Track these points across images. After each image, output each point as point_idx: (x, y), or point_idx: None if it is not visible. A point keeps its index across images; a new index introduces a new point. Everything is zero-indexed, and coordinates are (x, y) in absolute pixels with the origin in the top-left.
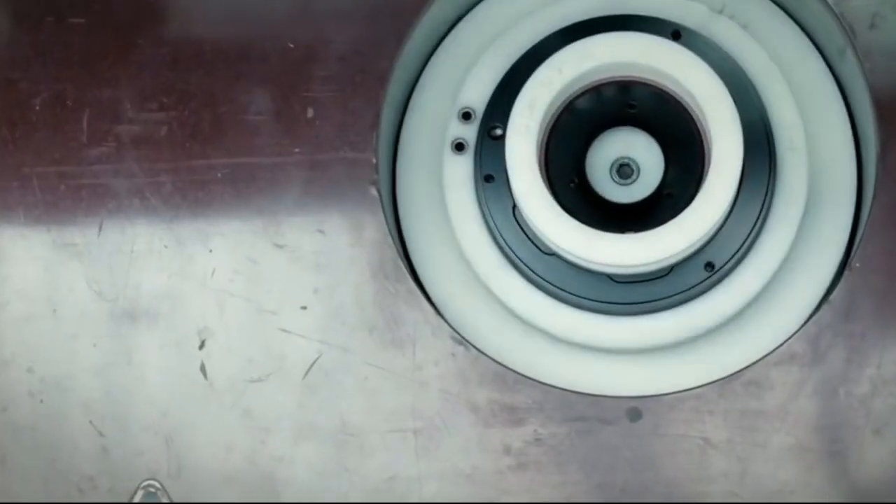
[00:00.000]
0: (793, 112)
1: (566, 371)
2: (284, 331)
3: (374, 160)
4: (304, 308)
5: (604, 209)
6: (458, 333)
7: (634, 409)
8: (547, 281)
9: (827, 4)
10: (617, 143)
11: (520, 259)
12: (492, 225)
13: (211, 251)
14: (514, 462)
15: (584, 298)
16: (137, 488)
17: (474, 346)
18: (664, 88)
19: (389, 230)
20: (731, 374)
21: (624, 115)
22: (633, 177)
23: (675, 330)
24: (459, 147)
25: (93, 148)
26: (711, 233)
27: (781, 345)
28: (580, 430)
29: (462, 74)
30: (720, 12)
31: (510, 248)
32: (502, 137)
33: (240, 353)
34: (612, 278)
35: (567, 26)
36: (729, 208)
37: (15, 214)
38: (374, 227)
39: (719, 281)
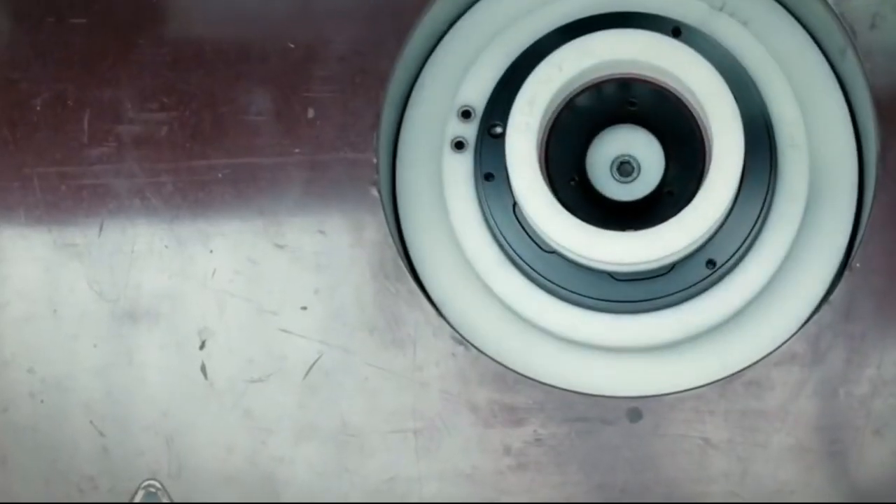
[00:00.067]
0: (794, 109)
1: (566, 369)
2: (285, 331)
3: (374, 160)
4: (304, 308)
5: (604, 207)
6: (459, 333)
7: (635, 409)
8: (547, 279)
9: (827, 4)
10: (617, 140)
11: (520, 257)
12: (492, 223)
13: (211, 251)
14: (514, 462)
15: (585, 296)
16: (138, 488)
17: (474, 346)
18: (665, 86)
19: (390, 231)
20: (732, 374)
21: (624, 112)
22: (634, 174)
23: (676, 328)
24: (459, 145)
25: (93, 148)
26: (712, 230)
27: (782, 345)
28: (580, 430)
29: (462, 72)
30: (721, 9)
31: (510, 246)
32: (502, 135)
33: (240, 354)
34: (613, 276)
35: (567, 24)
36: (730, 206)
37: (16, 215)
38: (375, 228)
39: (720, 279)
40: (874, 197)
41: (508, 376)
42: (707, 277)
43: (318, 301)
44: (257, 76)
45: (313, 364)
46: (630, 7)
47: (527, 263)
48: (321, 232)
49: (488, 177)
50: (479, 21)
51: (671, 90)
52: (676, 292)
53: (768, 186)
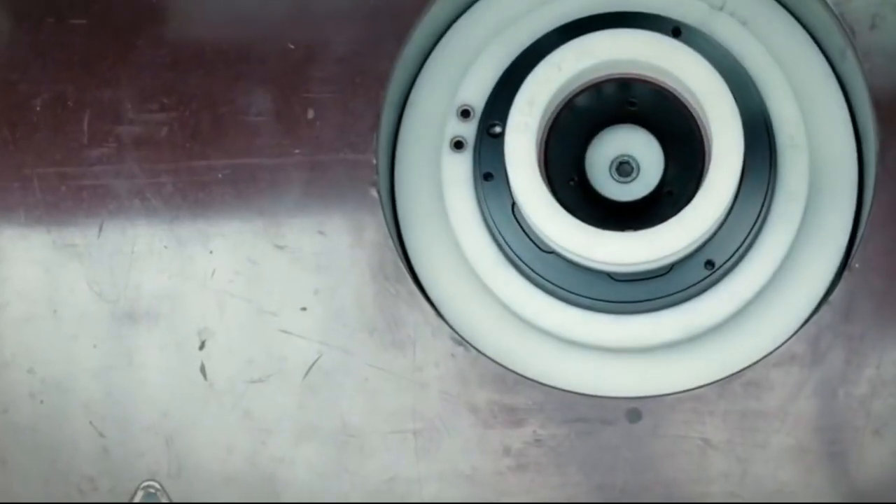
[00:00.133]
0: (793, 109)
1: (565, 369)
2: (285, 332)
3: (374, 161)
4: (304, 309)
5: (603, 207)
6: (458, 334)
7: (634, 409)
8: (546, 279)
9: (827, 5)
10: (617, 140)
11: (519, 257)
12: (491, 223)
13: (211, 252)
14: (513, 463)
15: (584, 297)
16: (137, 489)
17: (474, 347)
18: (664, 86)
19: (389, 231)
20: (731, 375)
21: (624, 112)
22: (633, 174)
23: (675, 328)
24: (458, 145)
25: (93, 149)
26: (712, 230)
27: (781, 345)
28: (580, 430)
29: (461, 72)
30: (720, 9)
31: (509, 246)
32: (501, 135)
33: (240, 354)
34: (612, 277)
35: (566, 23)
36: (729, 206)
37: (15, 215)
38: (375, 229)
39: (719, 279)
40: (874, 197)
41: (508, 377)
42: (706, 278)
43: (317, 302)
44: (257, 77)
45: (313, 365)
46: (630, 7)
47: (526, 264)
48: (321, 233)
49: (487, 177)
50: (478, 21)
51: (671, 90)
52: (675, 293)
53: (768, 186)
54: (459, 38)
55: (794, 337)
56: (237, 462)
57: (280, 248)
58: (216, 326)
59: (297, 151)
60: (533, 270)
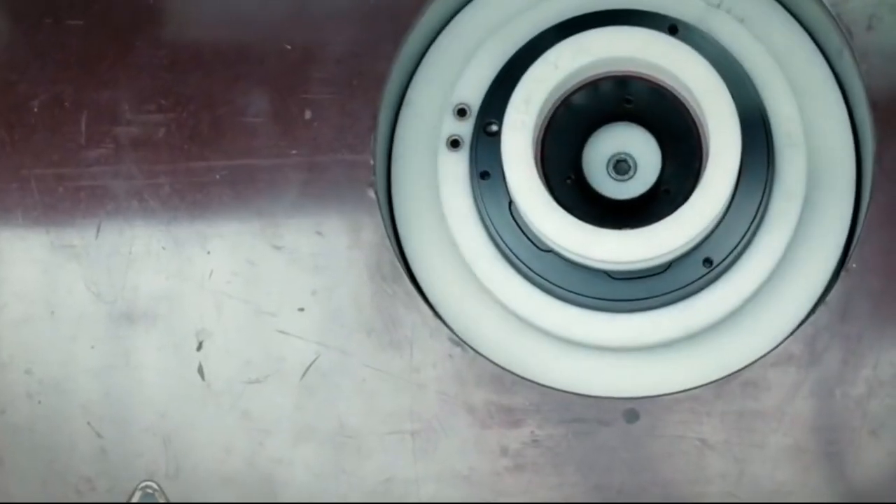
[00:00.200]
0: (791, 106)
1: (563, 368)
2: (282, 332)
3: (371, 162)
4: (301, 310)
5: (601, 205)
6: (455, 333)
7: (631, 410)
8: (543, 278)
9: (824, 5)
10: (614, 138)
11: (516, 256)
12: (488, 222)
13: (209, 253)
14: (511, 463)
15: (581, 295)
16: (135, 489)
17: (471, 347)
18: (661, 83)
19: (387, 232)
20: (728, 375)
21: (621, 110)
22: (631, 173)
23: (672, 327)
24: (455, 144)
25: (91, 150)
26: (709, 228)
27: (778, 346)
28: (577, 431)
29: (457, 70)
30: (718, 7)
31: (506, 244)
32: (498, 133)
33: (238, 355)
34: (610, 275)
35: (563, 21)
36: (727, 203)
37: (13, 216)
38: (372, 229)
39: (717, 277)
40: (870, 198)
41: (505, 377)
42: (704, 276)
43: (315, 302)
44: (255, 78)
45: (311, 365)
46: (626, 4)
47: (523, 262)
48: (319, 233)
49: (484, 175)
50: (474, 19)
51: (668, 88)
52: (673, 291)
53: (765, 185)
54: (455, 37)
55: (792, 337)
56: (235, 463)
57: (278, 248)
58: (214, 327)
59: (294, 152)
60: (530, 269)
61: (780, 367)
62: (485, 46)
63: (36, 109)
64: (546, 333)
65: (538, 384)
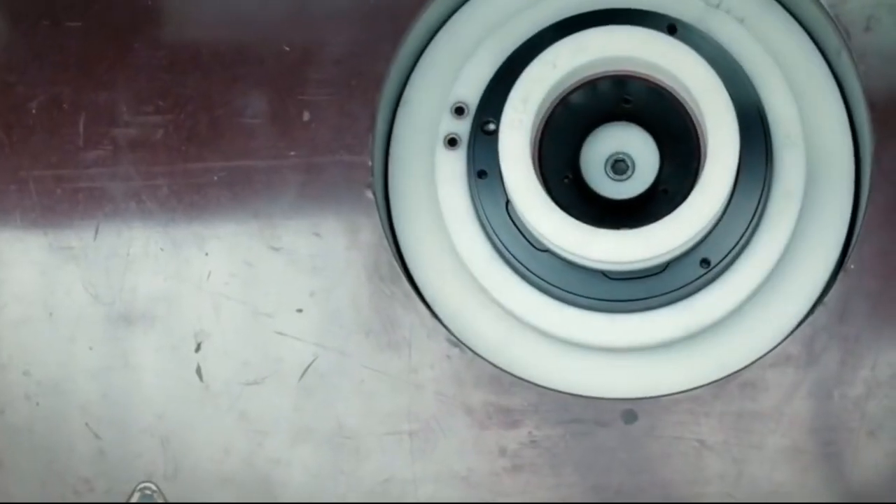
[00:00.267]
0: (790, 107)
1: (560, 368)
2: (280, 333)
3: (369, 163)
4: (299, 311)
5: (598, 205)
6: (453, 334)
7: (630, 410)
8: (541, 278)
9: (822, 6)
10: (612, 138)
11: (513, 255)
12: (485, 221)
13: (207, 254)
14: (509, 464)
15: (579, 295)
16: (134, 490)
17: (469, 348)
18: (660, 83)
19: (385, 233)
20: (727, 376)
21: (619, 109)
22: (628, 172)
23: (670, 327)
24: (452, 142)
25: (89, 151)
26: (707, 228)
27: (776, 346)
28: (575, 431)
29: (455, 69)
30: (717, 6)
31: (503, 244)
32: (495, 132)
33: (236, 356)
34: (607, 275)
35: (561, 20)
36: (725, 204)
37: (11, 218)
38: (370, 230)
39: (715, 278)
40: (868, 199)
41: (503, 378)
42: (701, 276)
43: (313, 303)
44: (253, 79)
45: (309, 366)
46: (625, 3)
47: (520, 262)
48: (316, 234)
49: (481, 174)
50: (472, 18)
51: (666, 87)
52: (671, 291)
53: (763, 185)
54: (453, 36)
55: (790, 338)
56: (233, 463)
57: (276, 249)
58: (212, 328)
59: (292, 153)
60: (527, 269)
61: (778, 368)
62: (483, 45)
63: (34, 111)
64: (544, 334)
65: (536, 385)
